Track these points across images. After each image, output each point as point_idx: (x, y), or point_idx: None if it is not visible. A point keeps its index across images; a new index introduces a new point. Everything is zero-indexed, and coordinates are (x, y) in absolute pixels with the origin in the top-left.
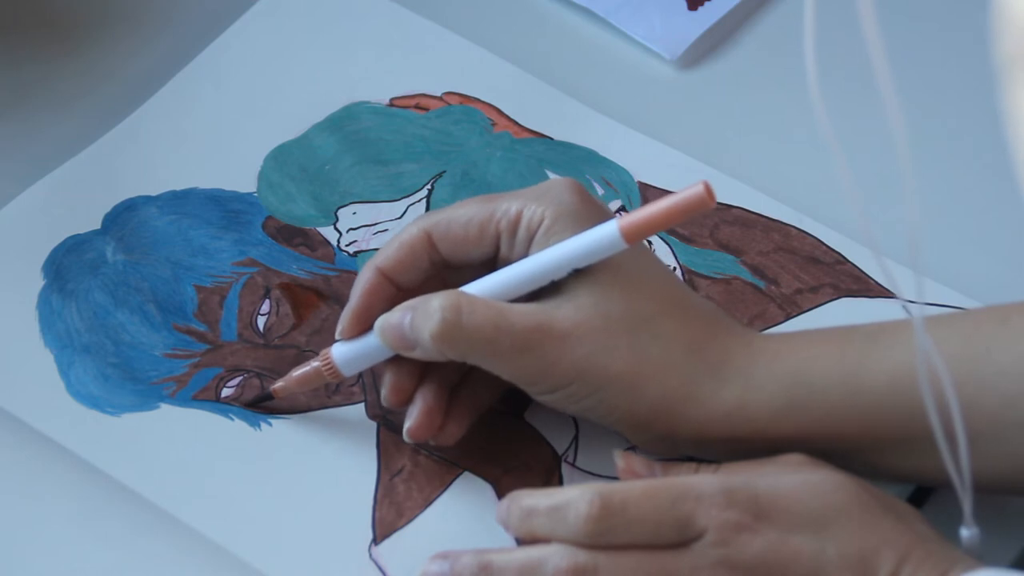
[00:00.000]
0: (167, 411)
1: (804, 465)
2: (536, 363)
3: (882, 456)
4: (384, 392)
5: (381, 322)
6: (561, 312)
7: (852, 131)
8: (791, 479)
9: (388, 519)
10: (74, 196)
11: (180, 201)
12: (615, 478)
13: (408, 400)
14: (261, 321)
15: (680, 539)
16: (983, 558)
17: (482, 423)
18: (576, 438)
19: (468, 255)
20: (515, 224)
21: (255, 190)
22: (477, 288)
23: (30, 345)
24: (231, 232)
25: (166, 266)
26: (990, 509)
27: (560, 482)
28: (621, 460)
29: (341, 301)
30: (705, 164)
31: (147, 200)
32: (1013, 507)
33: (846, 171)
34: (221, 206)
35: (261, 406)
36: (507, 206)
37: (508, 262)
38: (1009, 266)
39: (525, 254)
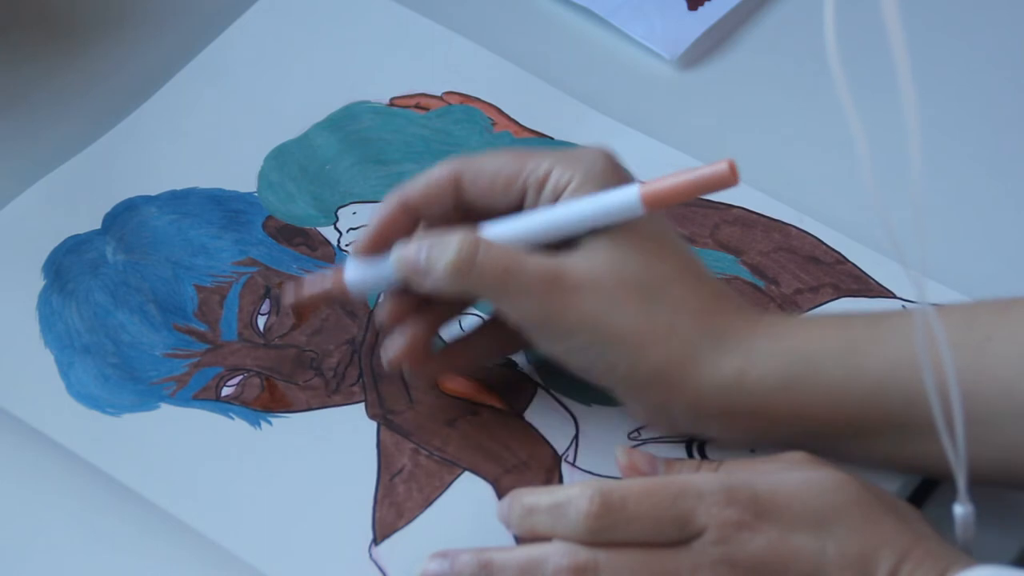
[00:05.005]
0: (167, 411)
1: (805, 464)
2: (543, 309)
3: (878, 442)
4: (379, 313)
5: (399, 250)
6: (575, 265)
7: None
8: (792, 478)
9: (388, 519)
10: (74, 196)
11: (180, 201)
12: (615, 478)
13: (398, 323)
14: (261, 321)
15: (680, 537)
16: (982, 557)
17: (482, 423)
18: (576, 438)
19: (493, 203)
20: (542, 182)
21: (255, 190)
22: (494, 229)
23: (30, 345)
24: (231, 232)
25: (166, 266)
26: (990, 508)
27: (560, 482)
28: (623, 456)
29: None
30: (706, 164)
31: (147, 200)
32: (1013, 506)
33: (867, 162)
34: (221, 206)
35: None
36: (537, 164)
37: None
38: (1009, 266)
39: None
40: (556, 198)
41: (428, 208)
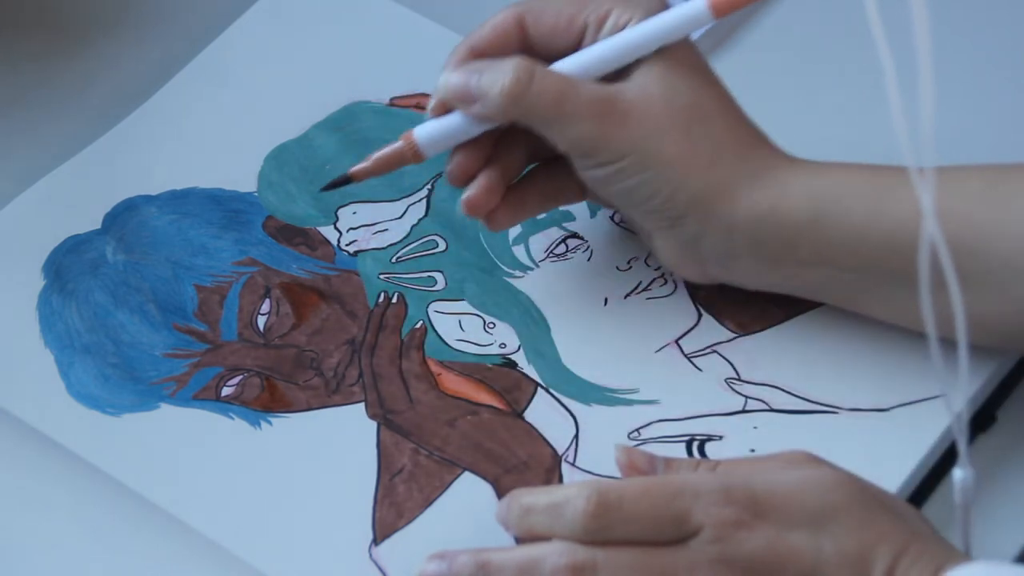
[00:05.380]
0: (167, 411)
1: (803, 463)
2: (595, 131)
3: (897, 293)
4: (449, 168)
5: (446, 76)
6: (628, 92)
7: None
8: (789, 477)
9: (388, 519)
10: (74, 196)
11: (180, 201)
12: (615, 478)
13: (468, 180)
14: (261, 321)
15: (678, 536)
16: (982, 556)
17: (482, 423)
18: (576, 438)
19: (555, 43)
20: (603, 19)
21: (255, 190)
22: (560, 65)
23: (30, 345)
24: (231, 232)
25: (166, 266)
26: (990, 508)
27: (560, 482)
28: (623, 455)
29: (341, 300)
30: None
31: (147, 200)
32: (1013, 506)
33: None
34: (221, 206)
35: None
36: (599, 3)
37: None
38: None
39: None
40: (616, 34)
41: (494, 53)
